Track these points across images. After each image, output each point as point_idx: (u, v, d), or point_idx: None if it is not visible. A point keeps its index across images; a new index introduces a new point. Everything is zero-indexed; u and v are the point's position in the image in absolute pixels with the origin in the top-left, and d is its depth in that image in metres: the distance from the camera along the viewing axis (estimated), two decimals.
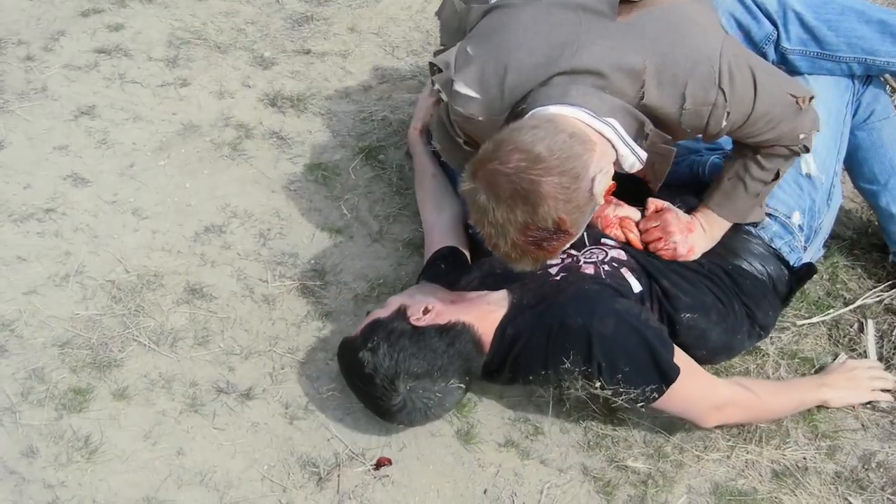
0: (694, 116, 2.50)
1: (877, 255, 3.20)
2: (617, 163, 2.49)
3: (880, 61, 2.99)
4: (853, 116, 3.06)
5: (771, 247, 2.87)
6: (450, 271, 2.92)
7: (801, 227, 2.90)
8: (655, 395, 2.52)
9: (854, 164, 3.11)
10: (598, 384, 2.51)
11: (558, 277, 2.69)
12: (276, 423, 2.70)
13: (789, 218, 2.88)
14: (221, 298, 2.99)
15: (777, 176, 2.74)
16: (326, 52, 3.93)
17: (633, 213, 2.82)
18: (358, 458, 2.64)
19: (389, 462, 2.63)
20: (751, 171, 2.73)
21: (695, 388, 2.59)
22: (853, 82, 3.04)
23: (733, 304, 2.77)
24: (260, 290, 3.02)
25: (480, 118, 2.55)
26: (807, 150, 2.71)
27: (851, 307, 3.07)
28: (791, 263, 2.88)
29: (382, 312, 2.65)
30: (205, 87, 3.71)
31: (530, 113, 2.43)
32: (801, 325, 3.02)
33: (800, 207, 2.91)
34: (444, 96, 2.59)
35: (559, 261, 2.76)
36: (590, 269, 2.69)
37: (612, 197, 2.81)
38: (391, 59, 3.93)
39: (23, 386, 2.71)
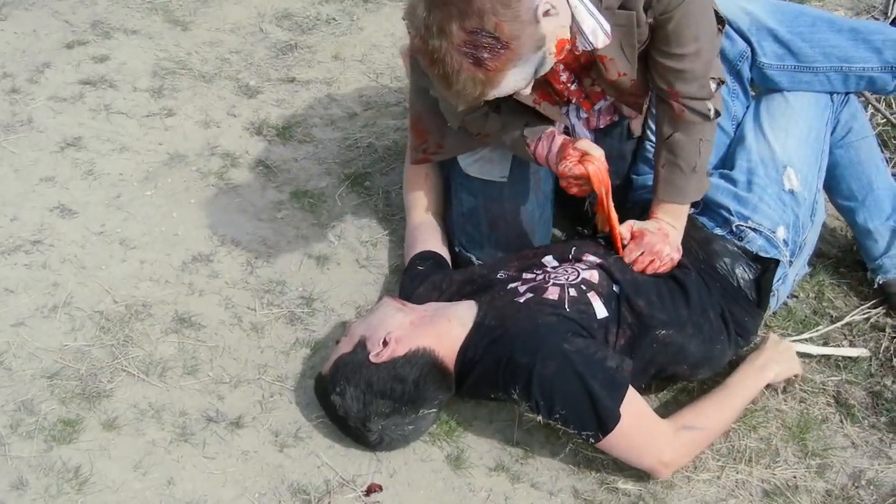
0: None
1: (862, 273, 3.21)
2: (579, 34, 2.50)
3: (856, 67, 3.04)
4: (832, 134, 3.10)
5: (742, 247, 2.90)
6: (430, 272, 2.97)
7: (785, 242, 2.92)
8: (592, 439, 2.56)
9: (832, 181, 3.14)
10: (538, 418, 2.57)
11: (523, 299, 2.70)
12: (266, 450, 2.70)
13: (774, 233, 2.90)
14: (210, 327, 2.99)
15: (702, 141, 2.77)
16: (311, 80, 3.94)
17: (595, 149, 2.73)
18: (349, 485, 2.63)
19: (380, 488, 2.63)
20: (676, 150, 2.78)
21: (639, 437, 2.59)
22: (832, 100, 3.08)
23: (708, 313, 2.79)
24: (248, 319, 3.02)
25: None
26: (717, 114, 2.75)
27: (839, 324, 3.08)
28: (758, 254, 2.91)
29: (345, 346, 2.70)
30: (190, 116, 3.72)
31: None
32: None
33: (784, 222, 2.93)
34: None
35: (531, 275, 2.79)
36: (554, 294, 2.69)
37: (567, 137, 2.80)
38: (376, 86, 3.95)
39: (12, 418, 2.69)
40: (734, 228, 2.91)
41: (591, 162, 2.70)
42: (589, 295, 2.70)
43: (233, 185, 3.44)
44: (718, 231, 2.94)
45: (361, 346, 2.65)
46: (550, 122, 2.82)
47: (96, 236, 3.22)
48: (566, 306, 2.66)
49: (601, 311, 2.68)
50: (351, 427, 2.65)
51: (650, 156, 3.04)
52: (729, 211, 2.93)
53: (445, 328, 2.68)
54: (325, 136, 3.68)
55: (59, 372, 2.82)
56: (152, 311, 3.01)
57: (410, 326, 2.66)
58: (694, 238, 2.90)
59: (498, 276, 2.85)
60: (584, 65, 2.79)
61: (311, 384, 2.81)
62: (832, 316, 3.13)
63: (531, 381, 2.52)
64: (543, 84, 2.78)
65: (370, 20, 4.28)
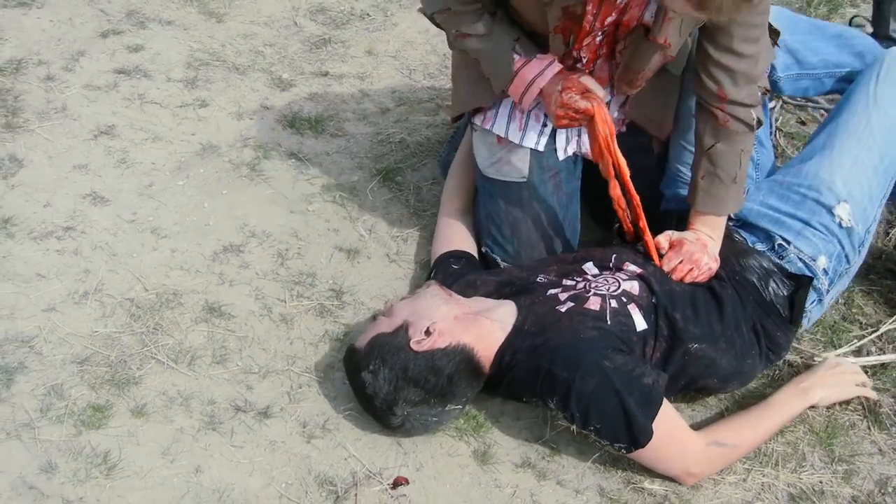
0: None
1: (892, 280, 3.20)
2: None
3: (843, 72, 3.09)
4: None
5: (779, 264, 2.88)
6: (465, 272, 2.98)
7: (825, 271, 2.89)
8: (624, 451, 2.59)
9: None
10: (573, 427, 2.60)
11: (564, 308, 2.70)
12: (293, 441, 2.71)
13: (814, 261, 2.88)
14: (240, 317, 3.00)
15: (743, 152, 2.78)
16: (344, 75, 3.95)
17: (599, 89, 2.73)
18: (375, 478, 2.64)
19: (406, 482, 2.63)
20: (717, 161, 2.79)
21: (669, 450, 2.61)
22: None
23: (741, 328, 2.78)
24: (278, 310, 3.03)
25: None
26: (760, 123, 2.76)
27: (873, 335, 3.06)
28: (793, 273, 2.88)
29: (386, 325, 2.70)
30: (223, 108, 3.73)
31: None
32: (824, 356, 2.98)
33: (826, 252, 2.89)
34: None
35: (572, 282, 2.79)
36: (595, 305, 2.69)
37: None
38: (408, 82, 3.96)
39: (42, 402, 2.71)
40: (776, 246, 2.89)
41: (594, 99, 2.70)
42: (629, 307, 2.70)
43: (264, 177, 3.45)
44: (759, 246, 2.92)
45: (404, 329, 2.65)
46: (541, 49, 2.80)
47: (128, 224, 3.24)
48: (607, 318, 2.66)
49: (641, 323, 2.68)
50: (376, 406, 2.65)
51: (677, 172, 3.04)
52: (771, 231, 2.92)
53: (487, 329, 2.68)
54: (358, 131, 3.69)
55: (90, 358, 2.84)
56: (182, 300, 3.02)
57: (454, 321, 2.67)
58: (731, 250, 2.89)
59: (537, 279, 2.85)
60: (625, 27, 2.76)
61: (339, 376, 2.82)
62: (861, 322, 3.11)
63: (569, 396, 2.53)
64: (576, 17, 2.70)
65: (404, 16, 4.29)
